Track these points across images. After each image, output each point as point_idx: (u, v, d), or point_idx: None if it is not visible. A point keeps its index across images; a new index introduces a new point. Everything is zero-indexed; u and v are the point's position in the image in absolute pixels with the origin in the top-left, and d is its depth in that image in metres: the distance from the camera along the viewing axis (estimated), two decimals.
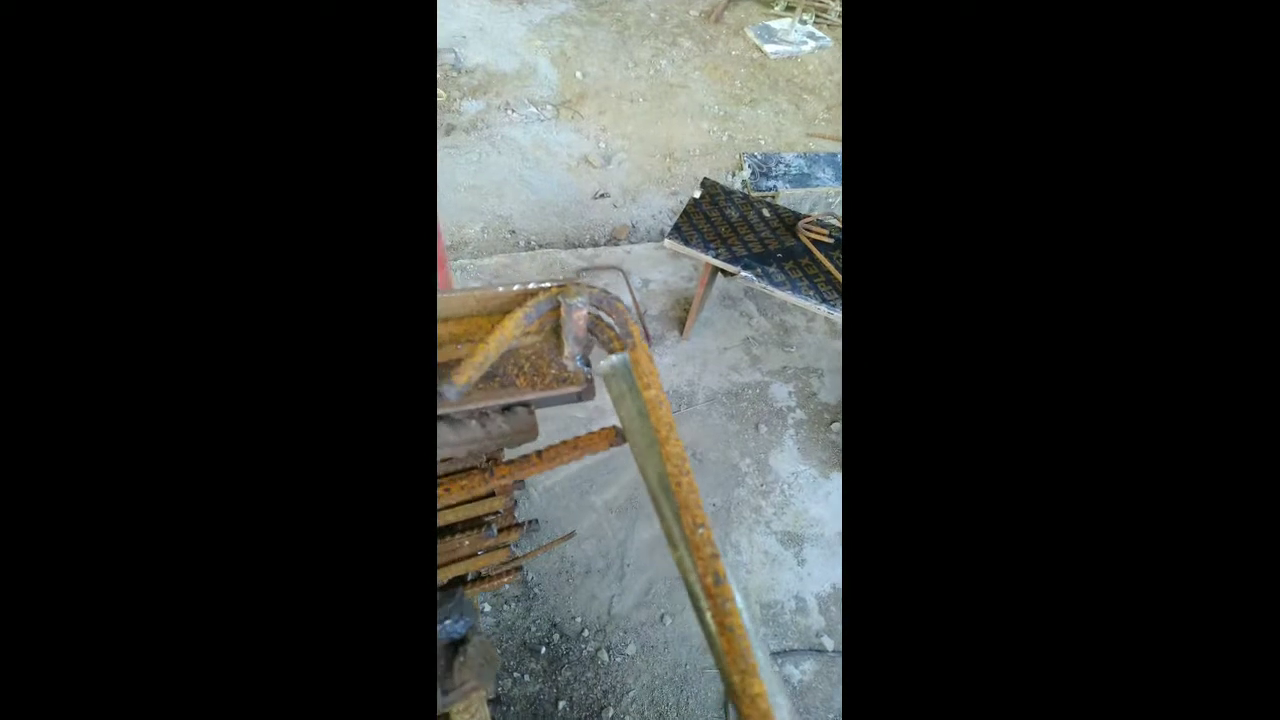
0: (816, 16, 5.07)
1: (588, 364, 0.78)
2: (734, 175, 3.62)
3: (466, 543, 1.02)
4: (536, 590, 2.10)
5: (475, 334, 0.74)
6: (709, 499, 2.38)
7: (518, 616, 2.04)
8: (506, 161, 3.63)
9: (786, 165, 3.13)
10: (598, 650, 2.01)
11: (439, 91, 3.90)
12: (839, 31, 4.96)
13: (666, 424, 0.64)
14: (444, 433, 0.74)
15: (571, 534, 1.93)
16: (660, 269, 3.11)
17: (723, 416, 2.61)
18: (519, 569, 1.28)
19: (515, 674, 1.94)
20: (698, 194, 2.67)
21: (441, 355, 0.72)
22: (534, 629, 2.02)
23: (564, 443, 0.87)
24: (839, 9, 5.07)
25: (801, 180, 3.06)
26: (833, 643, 2.12)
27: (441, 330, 0.73)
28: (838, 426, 2.63)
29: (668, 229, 3.07)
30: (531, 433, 0.78)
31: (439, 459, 0.75)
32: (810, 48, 4.80)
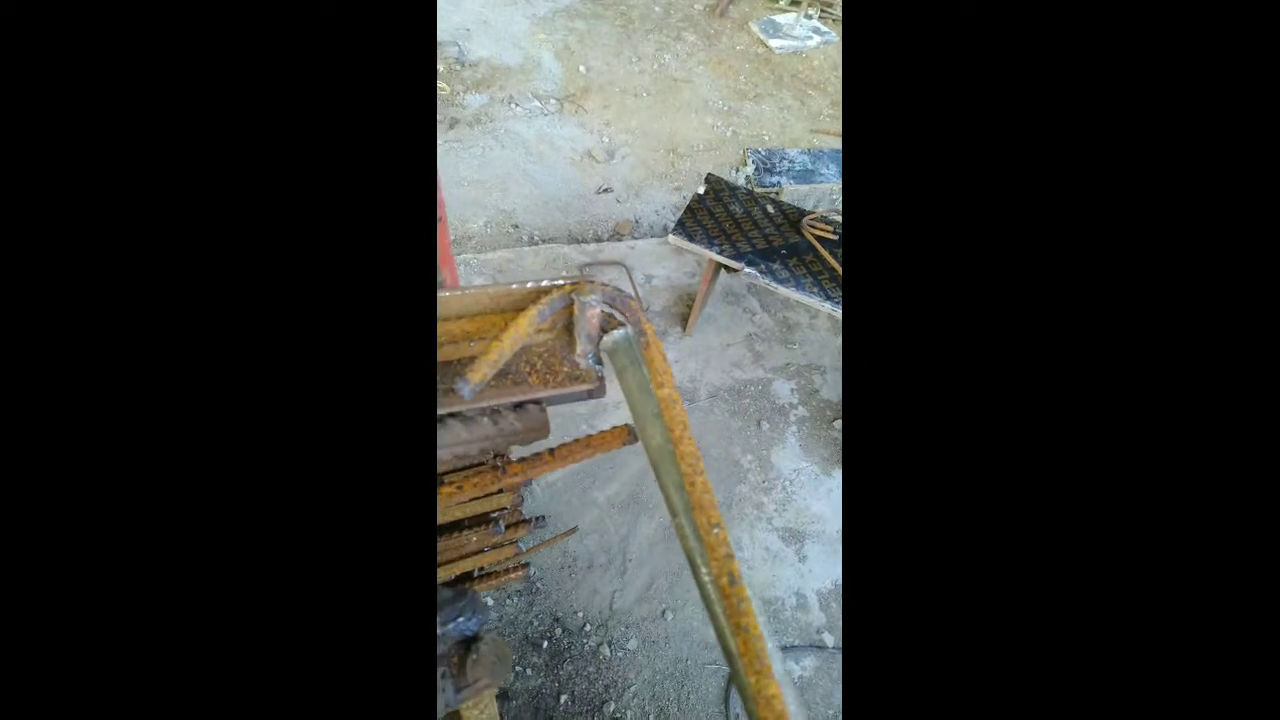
0: (821, 11, 5.04)
1: (599, 361, 0.78)
2: (738, 171, 3.61)
3: (474, 539, 1.02)
4: (539, 585, 2.10)
5: (488, 331, 0.73)
6: None
7: (520, 611, 2.04)
8: (510, 156, 3.62)
9: (791, 161, 3.12)
10: (599, 645, 2.01)
11: (443, 85, 3.88)
12: None
13: (680, 423, 0.64)
14: (456, 430, 0.74)
15: (574, 529, 1.93)
16: (663, 264, 3.11)
17: (725, 413, 2.62)
18: (526, 565, 1.29)
19: (517, 668, 1.95)
20: (702, 189, 2.67)
21: (455, 353, 0.72)
22: (536, 623, 2.03)
23: (577, 441, 0.87)
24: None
25: (805, 176, 3.05)
26: (833, 639, 2.13)
27: (454, 327, 0.73)
28: (840, 423, 2.64)
29: (671, 224, 3.06)
30: (543, 430, 0.78)
31: (453, 456, 0.74)
32: (815, 42, 4.78)
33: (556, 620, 2.04)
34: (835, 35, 4.86)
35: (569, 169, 3.62)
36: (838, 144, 3.80)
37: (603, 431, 0.86)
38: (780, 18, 4.93)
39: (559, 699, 1.91)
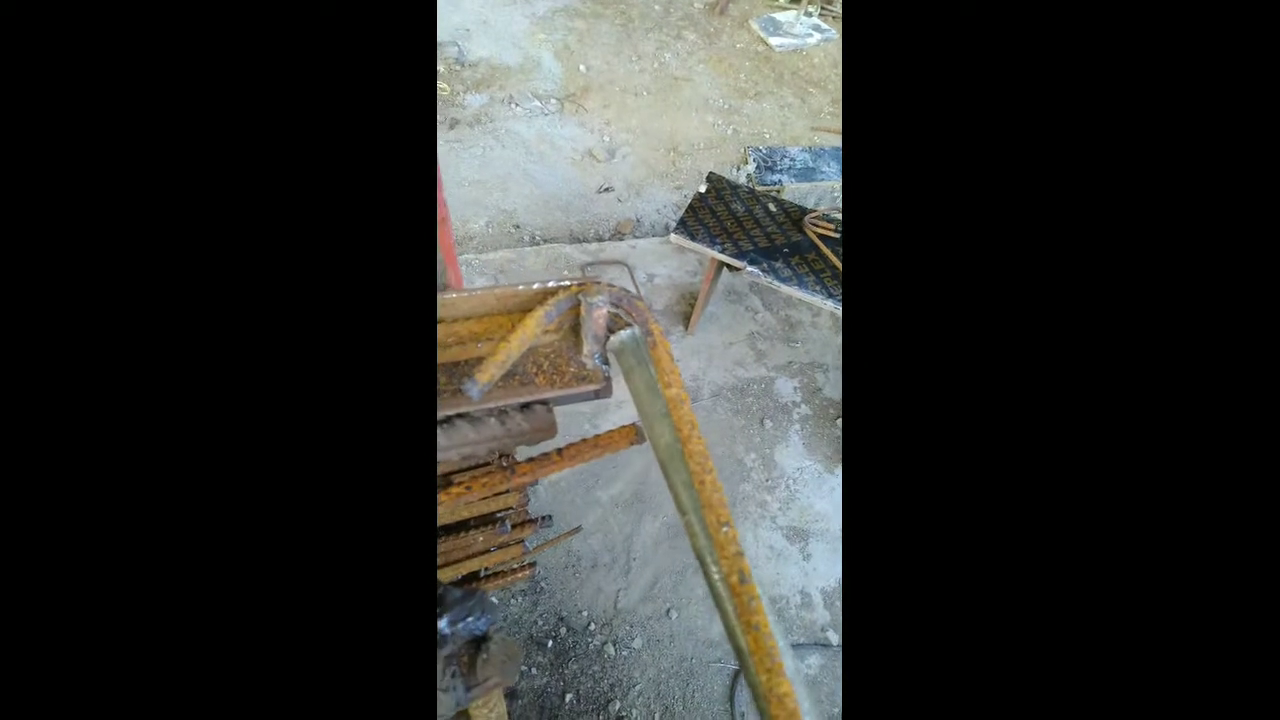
0: (822, 9, 5.04)
1: (606, 362, 0.78)
2: (739, 169, 3.61)
3: (480, 539, 1.02)
4: (543, 584, 2.11)
5: (495, 332, 0.74)
6: None
7: (525, 610, 2.05)
8: (510, 156, 3.62)
9: (792, 159, 3.11)
10: (604, 644, 2.02)
11: (443, 86, 3.88)
12: None
13: (689, 422, 0.65)
14: (464, 430, 0.74)
15: (578, 529, 1.93)
16: (665, 264, 3.11)
17: (728, 412, 2.62)
18: (533, 565, 1.29)
19: (522, 667, 1.95)
20: (703, 188, 2.67)
21: (462, 353, 0.73)
22: (541, 622, 2.03)
23: (585, 441, 0.88)
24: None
25: (807, 174, 3.05)
26: (838, 637, 2.13)
27: (461, 328, 0.73)
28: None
29: (672, 223, 3.06)
30: (550, 430, 0.78)
31: (460, 456, 0.75)
32: (816, 40, 4.78)
33: (561, 619, 2.05)
34: (835, 33, 4.85)
35: (570, 168, 3.62)
36: (838, 142, 3.80)
37: (611, 431, 0.86)
38: (780, 15, 4.92)
39: (564, 698, 1.91)
